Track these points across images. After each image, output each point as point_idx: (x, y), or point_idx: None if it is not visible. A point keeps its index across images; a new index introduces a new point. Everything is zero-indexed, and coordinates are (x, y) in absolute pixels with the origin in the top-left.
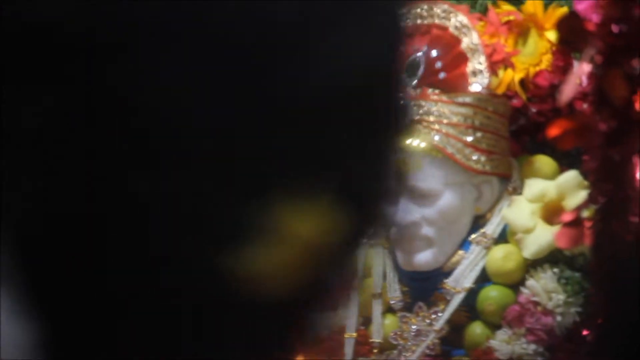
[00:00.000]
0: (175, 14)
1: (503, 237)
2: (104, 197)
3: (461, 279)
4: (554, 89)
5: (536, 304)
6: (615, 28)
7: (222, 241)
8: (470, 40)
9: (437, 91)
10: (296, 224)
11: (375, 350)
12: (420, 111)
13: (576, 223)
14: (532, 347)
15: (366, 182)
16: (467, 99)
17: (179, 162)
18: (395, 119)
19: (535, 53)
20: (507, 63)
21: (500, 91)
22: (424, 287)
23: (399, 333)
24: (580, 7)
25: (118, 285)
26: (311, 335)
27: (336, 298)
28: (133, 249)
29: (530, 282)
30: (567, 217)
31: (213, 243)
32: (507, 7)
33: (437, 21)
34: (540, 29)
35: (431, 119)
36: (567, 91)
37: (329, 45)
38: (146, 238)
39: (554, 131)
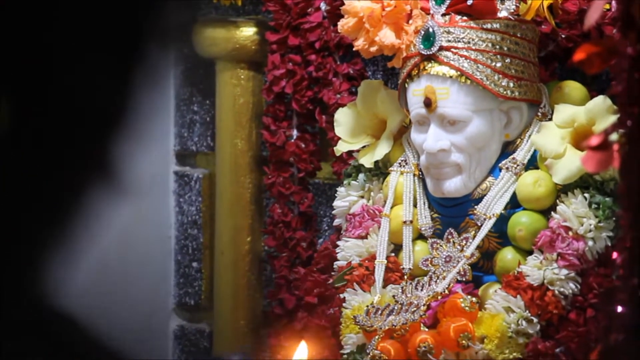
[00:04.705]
0: None
1: (533, 162)
2: None
3: (491, 205)
4: (583, 14)
5: (567, 229)
6: None
7: None
8: None
9: (465, 17)
10: None
11: (405, 277)
12: (449, 38)
13: (604, 146)
14: (564, 272)
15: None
16: (496, 25)
17: None
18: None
19: None
20: None
21: (528, 17)
22: (454, 213)
23: (429, 259)
24: None
25: None
26: None
27: None
28: None
29: (561, 207)
30: (595, 140)
31: None
32: None
33: None
34: None
35: (459, 45)
36: (593, 15)
37: None
38: None
39: (579, 55)
